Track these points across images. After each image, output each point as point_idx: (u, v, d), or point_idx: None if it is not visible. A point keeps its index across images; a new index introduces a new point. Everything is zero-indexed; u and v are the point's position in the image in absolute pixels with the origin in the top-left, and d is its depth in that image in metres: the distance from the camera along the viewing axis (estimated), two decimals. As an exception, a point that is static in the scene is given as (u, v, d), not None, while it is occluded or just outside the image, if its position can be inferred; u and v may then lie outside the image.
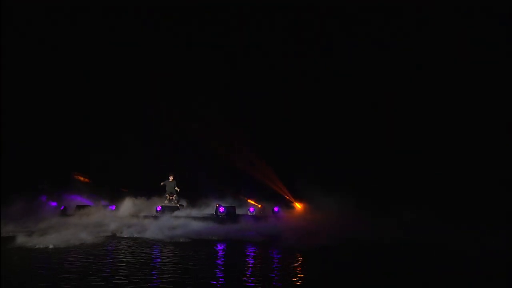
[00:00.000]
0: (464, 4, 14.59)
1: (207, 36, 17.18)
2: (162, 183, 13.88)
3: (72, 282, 5.68)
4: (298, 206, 14.17)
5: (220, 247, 9.50)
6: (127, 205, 13.71)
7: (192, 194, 14.65)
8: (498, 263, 7.50)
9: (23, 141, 15.36)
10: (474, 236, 9.29)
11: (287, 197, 14.71)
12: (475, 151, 14.21)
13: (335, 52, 16.88)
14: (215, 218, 12.89)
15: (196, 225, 11.76)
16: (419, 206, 11.82)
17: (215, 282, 5.85)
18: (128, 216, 12.82)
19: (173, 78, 16.24)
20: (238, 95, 16.71)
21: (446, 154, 14.71)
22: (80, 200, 14.71)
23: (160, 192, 14.18)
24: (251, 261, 7.85)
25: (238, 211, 13.47)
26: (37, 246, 8.62)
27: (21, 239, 9.18)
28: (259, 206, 14.27)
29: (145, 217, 12.72)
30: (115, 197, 14.25)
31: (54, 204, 14.12)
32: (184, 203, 14.31)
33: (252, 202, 14.57)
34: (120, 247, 8.95)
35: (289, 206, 14.36)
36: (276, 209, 13.55)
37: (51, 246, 8.64)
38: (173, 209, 13.30)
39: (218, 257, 8.37)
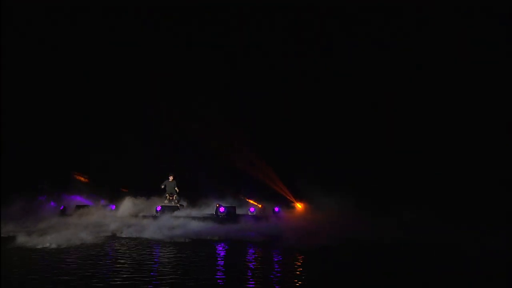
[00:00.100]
0: (464, 4, 14.61)
1: (207, 36, 17.21)
2: (162, 186, 13.85)
3: (71, 283, 5.68)
4: (298, 206, 14.16)
5: (220, 247, 9.50)
6: (127, 205, 13.69)
7: (192, 194, 14.64)
8: (498, 263, 7.50)
9: (23, 141, 15.36)
10: (474, 236, 9.28)
11: (288, 197, 14.70)
12: (475, 151, 14.21)
13: (335, 52, 16.90)
14: (215, 218, 12.89)
15: (196, 225, 11.75)
16: (419, 206, 11.83)
17: (215, 283, 5.85)
18: (128, 216, 12.80)
19: (173, 78, 16.25)
20: (238, 95, 16.72)
21: (446, 154, 14.71)
22: (80, 200, 14.70)
23: (160, 192, 14.17)
24: (252, 261, 7.85)
25: (239, 211, 13.46)
26: (36, 246, 8.61)
27: (21, 239, 9.17)
28: (260, 206, 14.26)
29: (145, 217, 12.71)
30: (115, 197, 14.24)
31: (54, 204, 14.11)
32: (184, 203, 14.30)
33: (253, 202, 14.57)
34: (120, 247, 8.95)
35: (289, 206, 14.36)
36: (276, 209, 13.54)
37: (50, 246, 8.63)
38: (173, 209, 13.29)
39: (218, 257, 8.36)
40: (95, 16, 16.36)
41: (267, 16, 16.68)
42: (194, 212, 13.69)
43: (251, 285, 5.70)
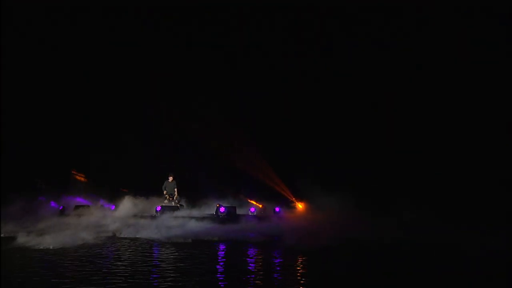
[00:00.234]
0: (464, 4, 14.61)
1: (207, 36, 17.19)
2: (165, 191, 13.83)
3: (71, 283, 5.67)
4: (299, 206, 14.15)
5: (220, 247, 9.50)
6: (127, 205, 13.67)
7: (192, 194, 14.63)
8: (498, 263, 7.50)
9: (23, 141, 15.35)
10: (474, 236, 9.28)
11: (288, 197, 14.69)
12: (475, 151, 14.21)
13: (335, 52, 16.89)
14: (216, 218, 12.88)
15: (196, 226, 11.75)
16: (419, 206, 11.82)
17: (215, 283, 5.85)
18: (127, 216, 12.78)
19: (173, 78, 16.24)
20: (238, 95, 16.71)
21: (446, 154, 14.71)
22: (79, 200, 14.69)
23: (159, 192, 14.16)
24: (252, 262, 7.85)
25: (239, 211, 13.45)
26: (35, 247, 8.61)
27: (21, 239, 9.18)
28: (260, 206, 14.25)
29: (145, 217, 12.70)
30: (114, 197, 14.24)
31: (54, 204, 14.11)
32: (184, 203, 14.29)
33: (253, 202, 14.56)
34: (120, 247, 8.95)
35: (290, 206, 14.34)
36: (277, 209, 13.53)
37: (50, 247, 8.63)
38: (173, 209, 13.28)
39: (219, 257, 8.37)
40: (95, 16, 16.37)
41: (267, 16, 16.68)
42: (194, 212, 13.68)
43: (251, 285, 5.70)
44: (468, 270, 7.00)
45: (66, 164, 15.96)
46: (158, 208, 13.08)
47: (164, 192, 13.82)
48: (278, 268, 7.14)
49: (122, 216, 12.79)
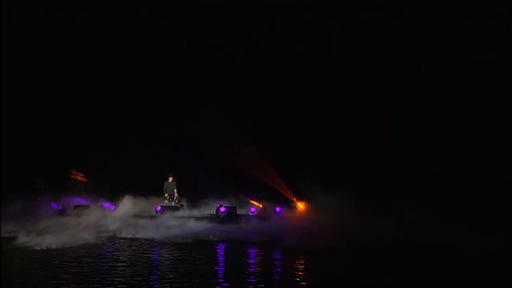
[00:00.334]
0: (464, 4, 14.60)
1: (207, 36, 17.17)
2: (166, 194, 13.83)
3: (71, 283, 5.67)
4: (300, 206, 14.15)
5: (221, 247, 9.50)
6: (127, 205, 13.67)
7: (192, 194, 14.63)
8: (498, 263, 7.50)
9: (23, 141, 15.34)
10: (474, 236, 9.28)
11: (289, 197, 14.69)
12: (475, 151, 14.20)
13: (335, 52, 16.87)
14: (216, 218, 12.88)
15: (197, 226, 11.75)
16: (419, 206, 11.81)
17: (215, 283, 5.84)
18: (127, 216, 12.77)
19: (173, 78, 16.23)
20: (238, 95, 16.70)
21: (446, 154, 14.71)
22: (79, 200, 14.67)
23: (159, 192, 14.17)
24: (252, 262, 7.85)
25: (239, 211, 13.45)
26: (35, 247, 8.61)
27: (20, 239, 9.18)
28: (261, 206, 14.25)
29: (145, 217, 12.69)
30: (114, 197, 14.23)
31: (54, 204, 14.09)
32: (185, 203, 14.29)
33: (254, 202, 14.55)
34: (119, 247, 8.95)
35: (290, 206, 14.34)
36: (278, 209, 13.52)
37: (50, 247, 8.63)
38: (173, 209, 13.28)
39: (219, 257, 8.36)
40: (95, 16, 16.36)
41: (267, 16, 16.66)
42: (195, 212, 13.68)
43: (251, 286, 5.70)
44: (468, 270, 7.00)
45: (66, 164, 15.94)
46: (158, 208, 13.08)
47: (166, 195, 13.83)
48: (278, 268, 7.14)
49: (122, 216, 12.79)
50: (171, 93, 16.14)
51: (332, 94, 16.54)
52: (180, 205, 13.92)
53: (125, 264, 6.99)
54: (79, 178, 15.89)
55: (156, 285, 5.59)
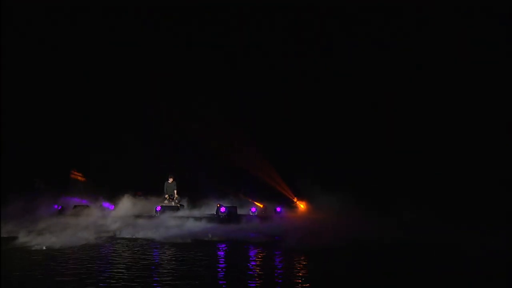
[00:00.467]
0: (464, 4, 14.60)
1: (207, 36, 17.17)
2: (166, 195, 13.83)
3: (71, 283, 5.67)
4: (301, 206, 14.14)
5: (221, 247, 9.50)
6: (126, 205, 13.67)
7: (192, 194, 14.63)
8: (498, 263, 7.50)
9: (23, 141, 15.34)
10: (474, 236, 9.28)
11: (290, 197, 14.69)
12: (475, 151, 14.20)
13: (335, 52, 16.87)
14: (216, 218, 12.87)
15: (197, 226, 11.74)
16: (419, 206, 11.82)
17: (216, 283, 5.84)
18: (127, 216, 12.77)
19: (173, 78, 16.23)
20: (238, 95, 16.70)
21: (446, 154, 14.71)
22: (79, 200, 14.66)
23: (159, 192, 14.17)
24: (253, 262, 7.85)
25: (240, 211, 13.44)
26: (34, 247, 8.61)
27: (20, 239, 9.17)
28: (261, 206, 14.25)
29: (145, 217, 12.69)
30: (114, 197, 14.22)
31: (54, 204, 14.08)
32: (185, 203, 14.28)
33: (254, 202, 14.55)
34: (119, 247, 8.95)
35: (291, 206, 14.33)
36: (278, 209, 13.51)
37: (50, 247, 8.63)
38: (173, 209, 13.28)
39: (219, 257, 8.36)
40: (95, 16, 16.36)
41: (267, 16, 16.66)
42: (195, 212, 13.68)
43: (251, 286, 5.70)
44: (468, 270, 7.00)
45: (66, 164, 15.94)
46: (158, 208, 13.08)
47: (166, 196, 13.83)
48: (278, 268, 7.14)
49: (121, 216, 12.78)
50: (171, 93, 16.14)
51: (332, 94, 16.54)
52: (180, 205, 13.92)
53: (125, 264, 6.99)
54: (79, 178, 15.89)
55: (157, 285, 5.59)
